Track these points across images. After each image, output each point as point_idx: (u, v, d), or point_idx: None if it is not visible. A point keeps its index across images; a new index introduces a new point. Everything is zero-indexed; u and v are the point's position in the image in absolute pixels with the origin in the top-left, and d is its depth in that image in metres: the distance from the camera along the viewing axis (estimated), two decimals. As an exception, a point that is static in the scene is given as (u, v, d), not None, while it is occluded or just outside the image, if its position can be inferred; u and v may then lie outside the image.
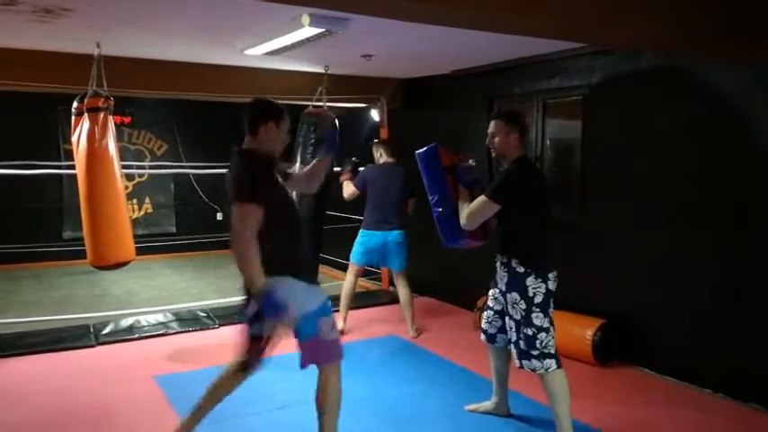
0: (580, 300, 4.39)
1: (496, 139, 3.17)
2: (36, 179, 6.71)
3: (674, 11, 2.59)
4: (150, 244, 8.33)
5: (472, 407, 3.61)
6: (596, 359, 4.26)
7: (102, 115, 4.15)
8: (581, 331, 4.29)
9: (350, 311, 5.20)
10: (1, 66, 4.56)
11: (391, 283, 6.11)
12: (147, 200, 9.05)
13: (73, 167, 4.41)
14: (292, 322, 2.66)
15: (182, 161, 8.88)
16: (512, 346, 3.18)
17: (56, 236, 8.25)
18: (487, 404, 3.57)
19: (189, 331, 5.18)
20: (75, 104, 4.26)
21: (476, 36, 3.41)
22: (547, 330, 3.05)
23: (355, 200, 5.16)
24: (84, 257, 4.36)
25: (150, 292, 6.87)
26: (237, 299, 5.66)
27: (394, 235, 5.03)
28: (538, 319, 3.03)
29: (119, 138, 6.21)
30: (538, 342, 3.04)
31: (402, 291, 5.15)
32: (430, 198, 3.34)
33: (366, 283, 6.76)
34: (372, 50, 4.73)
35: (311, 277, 2.85)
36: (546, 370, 3.05)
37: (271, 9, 3.31)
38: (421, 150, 3.36)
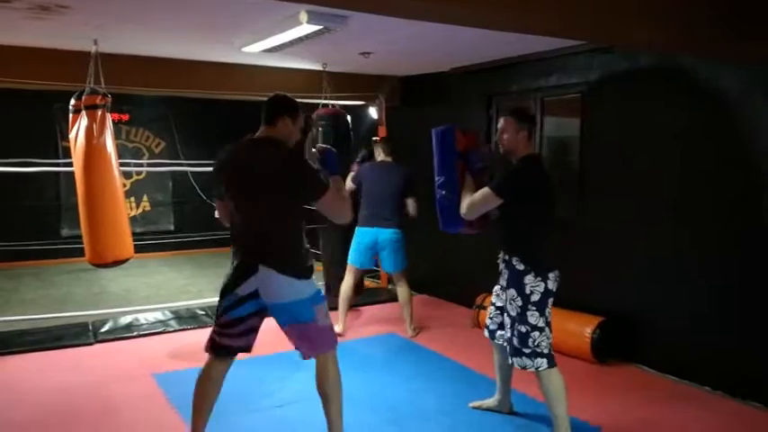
0: (579, 297, 4.39)
1: (505, 136, 3.15)
2: (34, 177, 6.71)
3: (675, 10, 2.59)
4: (148, 242, 8.32)
5: (475, 404, 3.61)
6: (595, 357, 4.27)
7: (99, 112, 4.14)
8: (580, 329, 4.30)
9: (349, 310, 5.19)
10: (-2, 63, 4.55)
11: (390, 281, 6.10)
12: (145, 198, 9.04)
13: (71, 165, 4.41)
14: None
15: (180, 159, 8.87)
16: (503, 340, 3.19)
17: (54, 233, 8.23)
18: (490, 401, 3.57)
19: (187, 329, 5.17)
20: (72, 102, 4.25)
21: (474, 34, 3.41)
22: (541, 330, 3.04)
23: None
24: (83, 255, 4.35)
25: (149, 290, 6.86)
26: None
27: (387, 233, 4.91)
28: (533, 317, 3.03)
29: (117, 135, 6.20)
30: (530, 340, 3.04)
31: (401, 290, 5.10)
32: (436, 178, 3.31)
33: (365, 281, 6.76)
34: (371, 48, 4.73)
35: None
36: (537, 369, 3.05)
37: (269, 6, 3.31)
38: (438, 128, 3.33)
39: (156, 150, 9.02)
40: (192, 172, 8.81)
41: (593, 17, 2.45)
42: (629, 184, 4.32)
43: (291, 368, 4.12)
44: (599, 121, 4.56)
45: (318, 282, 3.22)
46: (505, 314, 3.19)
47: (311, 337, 2.80)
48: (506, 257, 3.16)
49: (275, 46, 4.26)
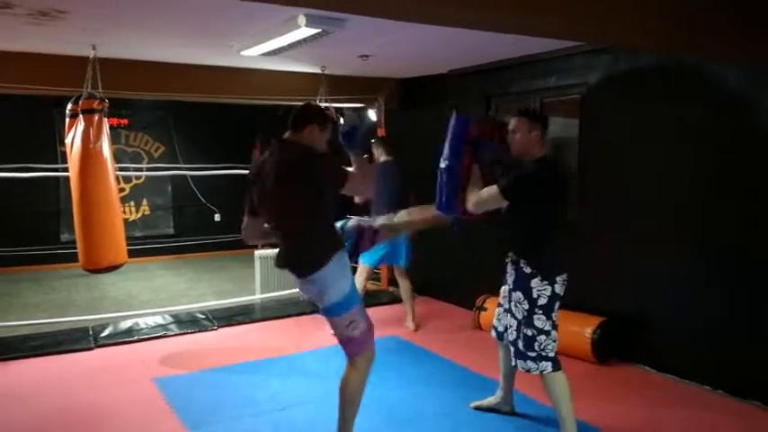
0: (579, 298, 4.37)
1: (517, 136, 3.11)
2: (33, 182, 6.70)
3: (676, 10, 2.59)
4: (148, 246, 8.32)
5: (476, 403, 3.60)
6: (596, 357, 4.26)
7: (96, 117, 4.15)
8: (580, 329, 4.30)
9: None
10: (-3, 68, 4.56)
11: (390, 283, 6.11)
12: (145, 202, 9.03)
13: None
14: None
15: (179, 163, 8.87)
16: (509, 343, 3.18)
17: (54, 238, 8.23)
18: (491, 399, 3.56)
19: (188, 333, 5.17)
20: (69, 106, 4.25)
21: (472, 35, 3.40)
22: (547, 333, 3.03)
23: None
24: (83, 260, 4.35)
25: (149, 295, 6.85)
26: (236, 300, 5.68)
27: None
28: (539, 321, 3.02)
29: (116, 140, 6.20)
30: (536, 344, 3.03)
31: (403, 284, 5.25)
32: (441, 162, 3.27)
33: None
34: (369, 51, 4.73)
35: None
36: (541, 372, 3.04)
37: (267, 10, 3.31)
38: (455, 116, 3.30)
39: (156, 155, 9.01)
40: (191, 176, 8.82)
41: (592, 18, 2.45)
42: (629, 185, 4.32)
43: (294, 371, 4.11)
44: (598, 122, 4.56)
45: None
46: (509, 316, 3.18)
47: (341, 338, 2.85)
48: (514, 258, 3.14)
49: (274, 49, 4.27)
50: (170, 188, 9.21)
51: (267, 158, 2.85)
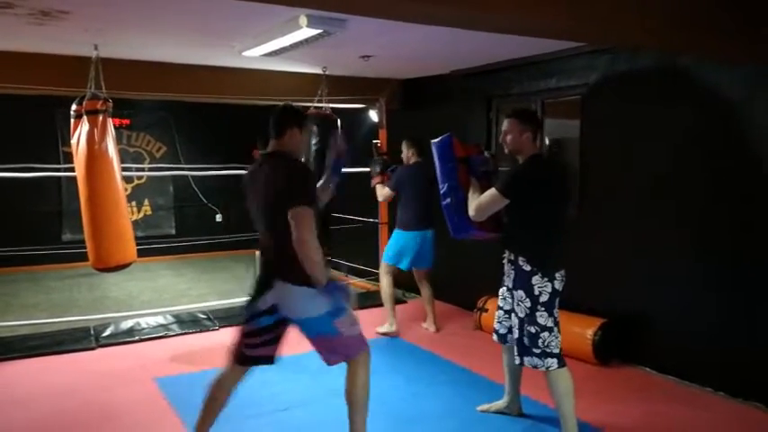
0: (580, 299, 4.38)
1: (509, 137, 3.16)
2: (35, 182, 6.70)
3: (678, 10, 2.59)
4: (150, 246, 8.32)
5: (484, 407, 3.60)
6: (597, 358, 4.26)
7: (100, 117, 4.15)
8: (581, 331, 4.29)
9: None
10: (-1, 69, 4.57)
11: (399, 286, 6.12)
12: (147, 202, 9.05)
13: (72, 170, 4.41)
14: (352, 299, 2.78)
15: (181, 163, 8.88)
16: (514, 342, 3.18)
17: (55, 238, 8.24)
18: (499, 403, 3.56)
19: (189, 333, 5.17)
20: (73, 107, 4.26)
21: (474, 36, 3.41)
22: (550, 330, 3.04)
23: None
24: (84, 260, 4.36)
25: (150, 295, 6.86)
26: (238, 300, 5.66)
27: (430, 233, 5.08)
28: (542, 318, 3.03)
29: (118, 140, 6.19)
30: (540, 341, 3.04)
31: (425, 288, 5.27)
32: (440, 187, 3.33)
33: (367, 284, 6.77)
34: (371, 51, 4.73)
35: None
36: (546, 368, 3.05)
37: (268, 10, 3.31)
38: (435, 140, 3.37)
39: (158, 155, 9.02)
40: (192, 176, 8.83)
41: (594, 18, 2.45)
42: (630, 186, 4.32)
43: (296, 371, 4.11)
44: (599, 123, 4.56)
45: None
46: (512, 315, 3.18)
47: (336, 349, 2.79)
48: (512, 257, 3.16)
49: (275, 50, 4.27)
50: (171, 188, 9.22)
51: (256, 170, 2.83)
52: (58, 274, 7.83)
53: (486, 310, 5.07)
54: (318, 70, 5.48)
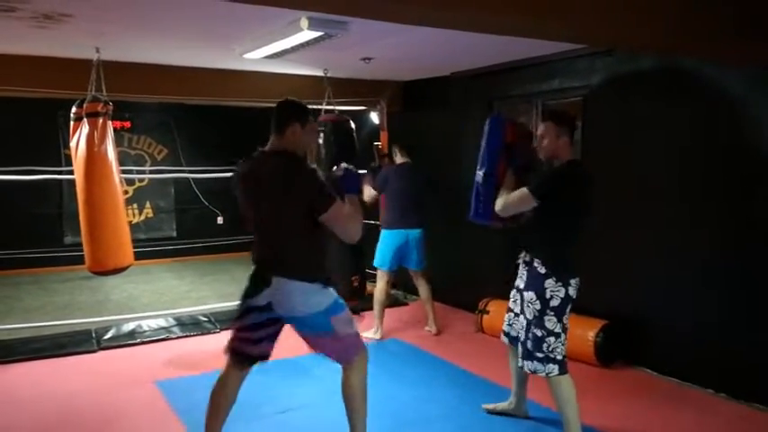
0: (582, 301, 4.34)
1: (545, 141, 3.07)
2: (37, 184, 6.71)
3: (678, 12, 2.59)
4: (151, 248, 8.33)
5: (489, 406, 3.58)
6: (599, 360, 4.25)
7: (100, 120, 4.16)
8: (584, 332, 4.28)
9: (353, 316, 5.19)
10: (1, 71, 4.57)
11: (392, 286, 6.10)
12: (148, 204, 9.05)
13: (73, 172, 4.42)
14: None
15: (182, 165, 8.88)
16: (519, 344, 3.16)
17: (57, 241, 8.24)
18: (504, 404, 3.55)
19: (190, 336, 5.17)
20: (74, 109, 4.26)
21: (475, 38, 3.41)
22: (557, 335, 3.01)
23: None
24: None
25: (151, 297, 6.86)
26: (238, 303, 5.65)
27: (416, 232, 5.08)
28: (550, 322, 3.00)
29: (119, 143, 6.20)
30: (545, 345, 3.01)
31: (422, 288, 5.24)
32: (478, 166, 3.26)
33: (369, 286, 6.75)
34: (372, 53, 4.74)
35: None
36: (547, 375, 3.03)
37: (270, 13, 3.31)
38: (491, 117, 3.29)
39: (159, 157, 9.03)
40: (193, 179, 8.83)
41: (595, 21, 2.45)
42: (631, 188, 4.31)
43: (295, 374, 4.11)
44: (601, 125, 4.55)
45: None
46: (521, 316, 3.16)
47: (333, 348, 2.76)
48: (528, 258, 3.13)
49: (276, 52, 4.28)
50: (173, 191, 9.22)
51: (253, 162, 2.75)
52: (60, 276, 7.83)
53: (488, 312, 5.06)
54: (319, 72, 5.48)
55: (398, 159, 5.24)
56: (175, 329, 5.29)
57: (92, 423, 3.56)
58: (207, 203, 9.21)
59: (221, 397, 2.85)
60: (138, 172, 8.67)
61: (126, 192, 8.48)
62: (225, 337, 4.61)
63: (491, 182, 3.22)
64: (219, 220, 9.34)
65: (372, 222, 6.61)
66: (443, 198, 5.49)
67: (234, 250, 8.82)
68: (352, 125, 5.20)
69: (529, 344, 3.06)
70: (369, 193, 5.11)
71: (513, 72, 5.17)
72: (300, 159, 2.77)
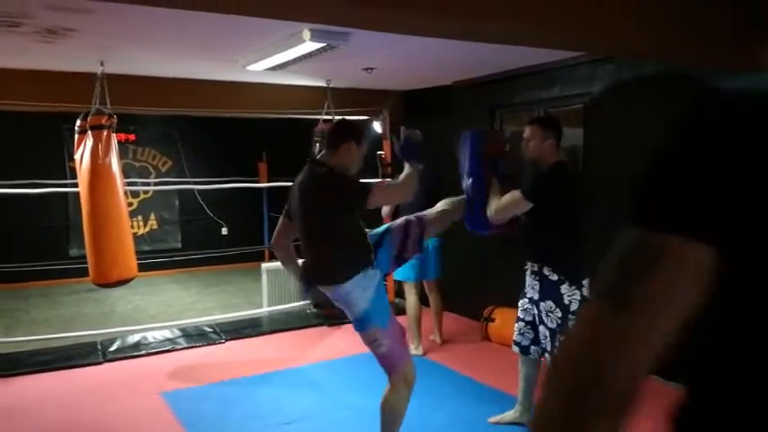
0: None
1: (531, 144, 3.13)
2: (42, 197, 6.77)
3: (677, 19, 2.60)
4: (156, 260, 8.35)
5: (495, 418, 3.56)
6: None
7: (105, 133, 4.19)
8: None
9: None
10: (6, 86, 4.62)
11: (397, 294, 6.10)
12: (153, 216, 9.08)
13: (78, 185, 4.45)
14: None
15: (186, 177, 8.92)
16: (546, 355, 3.13)
17: (62, 254, 8.27)
18: (510, 414, 3.53)
19: (196, 347, 5.18)
20: (78, 122, 4.30)
21: (475, 47, 3.42)
22: None
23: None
24: (91, 275, 4.37)
25: (157, 309, 6.87)
26: (244, 313, 5.66)
27: (433, 241, 4.98)
28: None
29: (123, 155, 6.23)
30: None
31: (435, 299, 5.17)
32: (466, 179, 3.28)
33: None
34: (374, 63, 4.76)
35: None
36: None
37: (272, 25, 3.34)
38: (469, 132, 3.32)
39: (163, 169, 9.07)
40: (198, 190, 8.86)
41: (594, 28, 2.46)
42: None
43: (302, 384, 4.11)
44: (602, 132, 4.56)
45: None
46: (542, 327, 3.12)
47: (376, 355, 2.83)
48: (535, 267, 3.12)
49: (279, 64, 4.30)
50: (177, 202, 9.25)
51: (305, 178, 2.88)
52: (66, 288, 7.85)
53: (493, 320, 5.05)
54: (322, 83, 5.51)
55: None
56: (181, 341, 5.30)
57: (98, 435, 3.56)
58: (211, 215, 9.23)
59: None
60: (143, 184, 8.71)
61: (131, 204, 8.51)
62: (230, 347, 4.62)
63: (480, 190, 3.21)
64: (224, 230, 9.36)
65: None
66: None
67: (238, 261, 8.83)
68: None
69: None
70: (386, 210, 5.09)
71: (515, 80, 5.19)
72: (333, 169, 2.81)
